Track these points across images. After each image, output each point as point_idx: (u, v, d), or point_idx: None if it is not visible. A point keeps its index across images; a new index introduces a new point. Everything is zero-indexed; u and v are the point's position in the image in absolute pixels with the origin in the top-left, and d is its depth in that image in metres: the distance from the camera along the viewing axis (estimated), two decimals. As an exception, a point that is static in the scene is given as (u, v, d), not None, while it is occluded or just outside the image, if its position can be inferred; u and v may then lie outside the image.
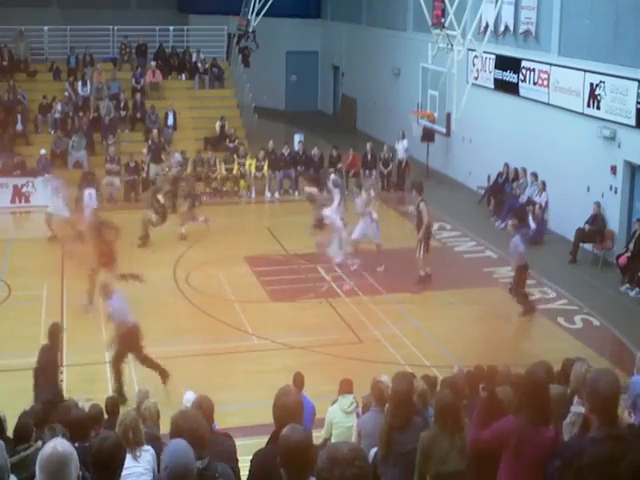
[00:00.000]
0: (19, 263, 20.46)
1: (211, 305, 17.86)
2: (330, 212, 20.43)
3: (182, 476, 4.93)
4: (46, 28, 32.07)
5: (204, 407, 7.98)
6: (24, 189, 25.70)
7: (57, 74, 31.25)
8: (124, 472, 5.62)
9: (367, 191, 20.58)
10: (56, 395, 11.84)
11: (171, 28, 33.90)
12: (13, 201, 25.67)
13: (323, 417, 10.57)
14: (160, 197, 22.99)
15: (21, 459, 6.77)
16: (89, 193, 22.82)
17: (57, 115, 29.01)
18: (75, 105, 29.58)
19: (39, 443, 7.25)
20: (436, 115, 25.78)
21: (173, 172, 24.31)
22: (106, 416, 9.81)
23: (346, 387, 10.64)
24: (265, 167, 26.67)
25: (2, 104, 29.07)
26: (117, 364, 13.90)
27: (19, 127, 28.57)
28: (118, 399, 10.99)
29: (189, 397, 9.54)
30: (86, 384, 14.19)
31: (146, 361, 14.07)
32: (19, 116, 28.66)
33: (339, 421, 10.25)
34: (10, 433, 7.90)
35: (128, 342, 13.89)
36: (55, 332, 12.79)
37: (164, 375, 13.95)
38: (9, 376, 14.81)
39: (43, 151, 26.64)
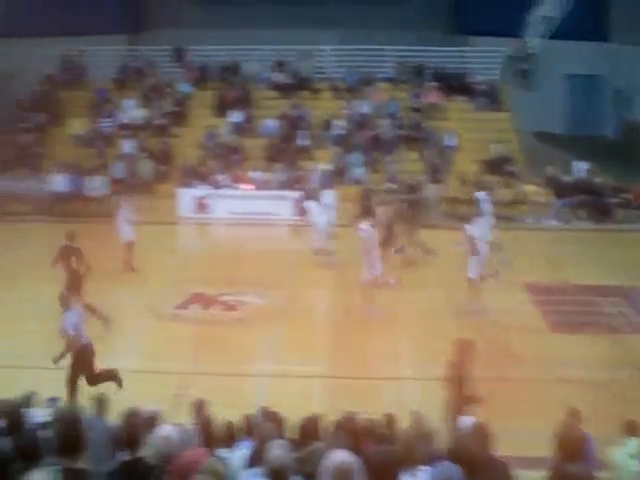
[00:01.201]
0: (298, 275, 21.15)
1: (487, 331, 17.52)
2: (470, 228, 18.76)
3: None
4: (328, 48, 33.31)
5: (480, 432, 7.82)
6: (302, 203, 26.50)
7: (338, 92, 32.19)
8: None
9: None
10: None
11: (448, 49, 33.96)
12: (293, 214, 26.57)
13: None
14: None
15: (307, 453, 7.02)
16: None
17: (338, 132, 29.80)
18: (355, 123, 30.30)
19: (321, 443, 7.50)
20: None
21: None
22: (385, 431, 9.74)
23: (631, 429, 10.04)
24: (545, 193, 25.97)
25: (287, 119, 30.33)
26: (73, 383, 13.61)
27: (302, 142, 29.63)
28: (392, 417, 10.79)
29: (467, 422, 9.37)
30: (355, 397, 14.23)
31: (94, 382, 13.59)
32: (303, 132, 29.74)
33: (623, 464, 9.65)
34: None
35: (81, 360, 13.62)
36: (465, 348, 12.70)
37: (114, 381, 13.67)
38: (285, 381, 15.42)
39: (324, 166, 27.42)
